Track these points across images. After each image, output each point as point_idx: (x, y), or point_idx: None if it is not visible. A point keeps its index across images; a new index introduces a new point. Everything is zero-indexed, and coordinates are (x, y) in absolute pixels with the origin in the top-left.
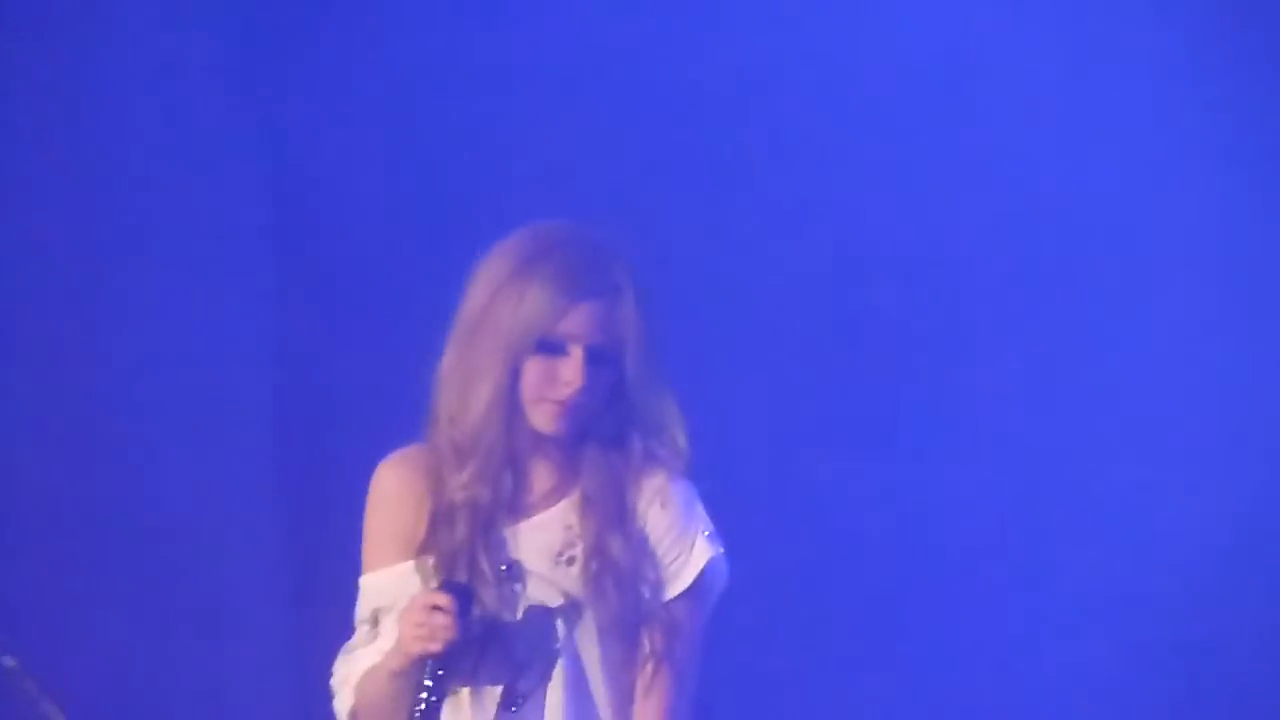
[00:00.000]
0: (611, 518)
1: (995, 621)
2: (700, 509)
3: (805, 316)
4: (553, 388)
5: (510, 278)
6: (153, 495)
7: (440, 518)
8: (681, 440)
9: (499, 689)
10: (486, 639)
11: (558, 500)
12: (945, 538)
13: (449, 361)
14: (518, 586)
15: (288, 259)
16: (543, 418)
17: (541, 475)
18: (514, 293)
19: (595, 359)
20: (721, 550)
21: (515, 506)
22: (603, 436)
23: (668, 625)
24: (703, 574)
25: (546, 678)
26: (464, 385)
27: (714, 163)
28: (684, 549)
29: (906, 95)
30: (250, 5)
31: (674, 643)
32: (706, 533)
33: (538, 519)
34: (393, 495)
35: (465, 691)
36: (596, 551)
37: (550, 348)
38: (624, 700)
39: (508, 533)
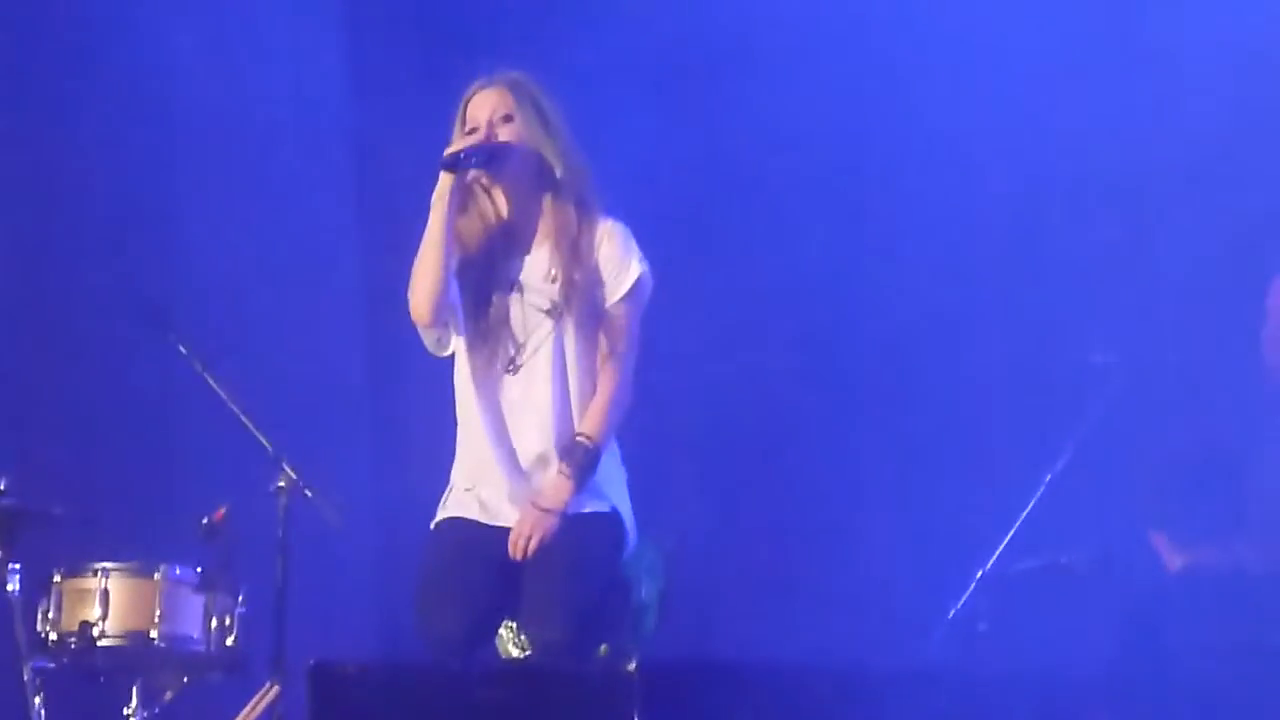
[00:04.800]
0: (577, 252)
1: None
2: (633, 242)
3: None
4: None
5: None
6: None
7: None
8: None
9: (508, 355)
10: (499, 325)
11: (544, 242)
12: None
13: None
14: (520, 294)
15: None
16: None
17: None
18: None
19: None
20: (647, 267)
21: (522, 246)
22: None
23: (614, 323)
24: (637, 282)
25: (539, 351)
26: None
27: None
28: (624, 267)
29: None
30: None
31: (618, 337)
32: (638, 257)
33: (534, 254)
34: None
35: (479, 361)
36: (567, 271)
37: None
38: (587, 375)
39: (516, 262)
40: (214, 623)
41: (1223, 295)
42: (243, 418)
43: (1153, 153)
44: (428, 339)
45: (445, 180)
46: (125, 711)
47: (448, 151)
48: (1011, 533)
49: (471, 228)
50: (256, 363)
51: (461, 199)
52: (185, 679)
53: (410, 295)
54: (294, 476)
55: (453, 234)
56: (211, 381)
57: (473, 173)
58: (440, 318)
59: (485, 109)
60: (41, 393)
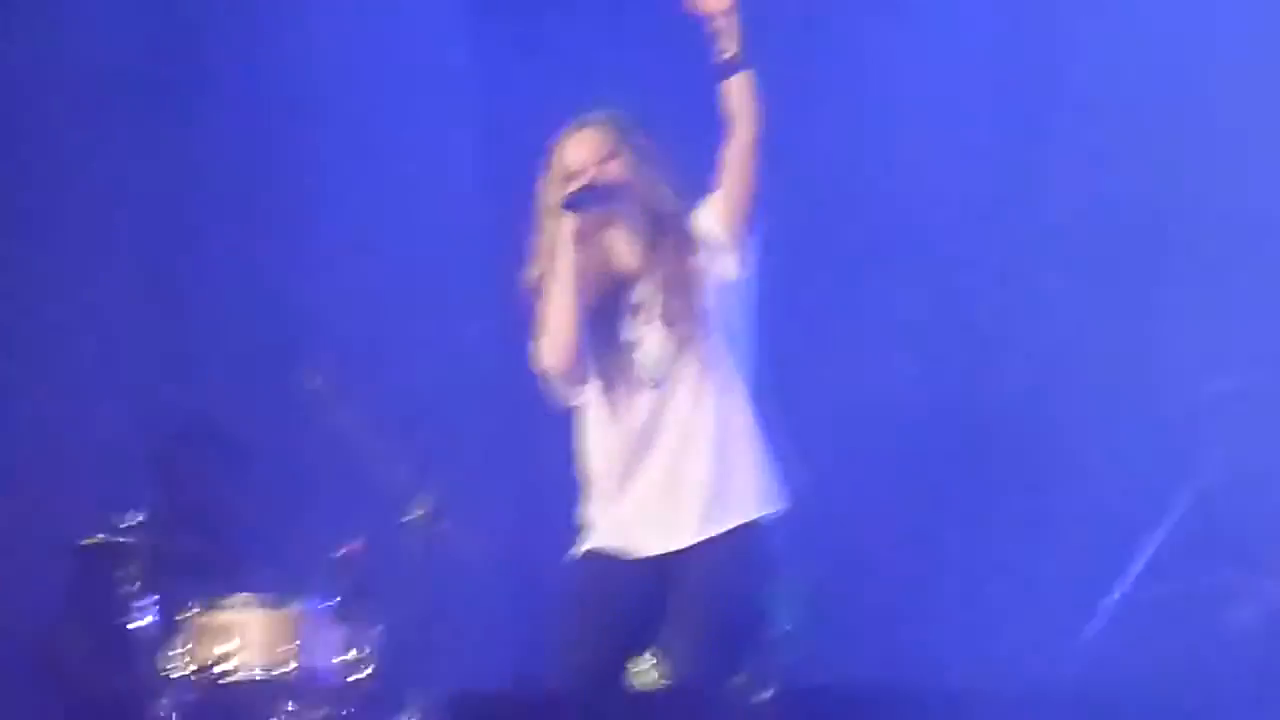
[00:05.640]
0: (681, 274)
1: None
2: None
3: None
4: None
5: None
6: None
7: None
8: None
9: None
10: (626, 352)
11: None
12: None
13: None
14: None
15: None
16: None
17: None
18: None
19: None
20: None
21: (635, 276)
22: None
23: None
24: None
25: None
26: None
27: None
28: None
29: None
30: None
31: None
32: None
33: (644, 281)
34: None
35: (611, 392)
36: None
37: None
38: (725, 383)
39: (630, 291)
40: (352, 654)
41: None
42: (377, 449)
43: None
44: (560, 389)
45: (569, 223)
46: None
47: (562, 196)
48: (1147, 556)
49: (589, 269)
50: (391, 391)
51: (582, 242)
52: (323, 712)
53: (544, 345)
54: (430, 508)
55: (577, 278)
56: (343, 412)
57: (590, 215)
58: (577, 364)
59: (585, 150)
60: (177, 429)
